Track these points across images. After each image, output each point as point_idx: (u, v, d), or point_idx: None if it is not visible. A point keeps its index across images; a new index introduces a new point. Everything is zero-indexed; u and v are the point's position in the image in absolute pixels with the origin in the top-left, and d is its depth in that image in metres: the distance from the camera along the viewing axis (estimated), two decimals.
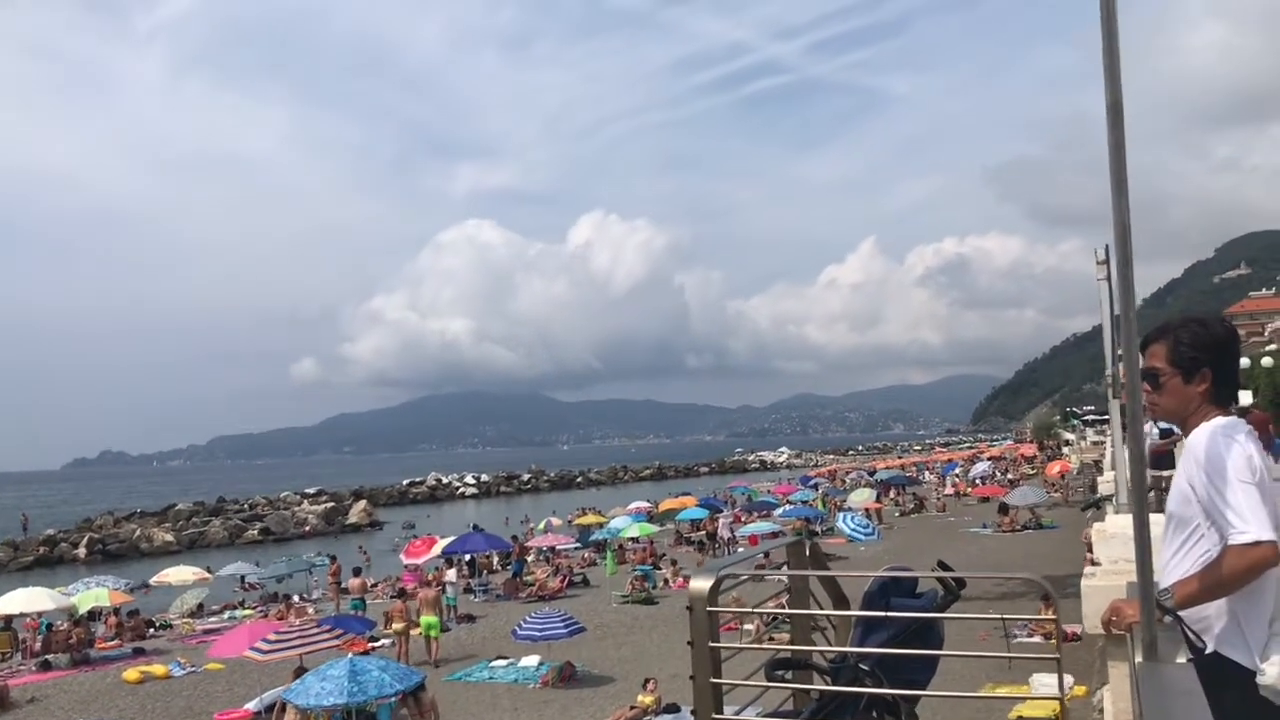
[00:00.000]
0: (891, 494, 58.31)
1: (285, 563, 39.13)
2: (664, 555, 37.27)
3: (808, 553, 6.20)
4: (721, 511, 50.61)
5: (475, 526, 48.49)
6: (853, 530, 37.14)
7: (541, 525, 50.85)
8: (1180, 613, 2.80)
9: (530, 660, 20.45)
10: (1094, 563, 6.75)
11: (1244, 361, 68.33)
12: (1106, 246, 8.79)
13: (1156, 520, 2.77)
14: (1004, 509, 40.44)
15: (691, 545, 41.46)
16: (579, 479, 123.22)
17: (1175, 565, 2.87)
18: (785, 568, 6.23)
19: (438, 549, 35.19)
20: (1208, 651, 2.78)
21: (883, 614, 4.46)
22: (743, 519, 47.12)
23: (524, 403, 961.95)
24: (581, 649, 21.47)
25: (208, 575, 36.32)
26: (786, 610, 5.54)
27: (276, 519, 73.36)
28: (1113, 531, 5.41)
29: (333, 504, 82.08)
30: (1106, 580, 4.14)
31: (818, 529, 41.33)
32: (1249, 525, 2.59)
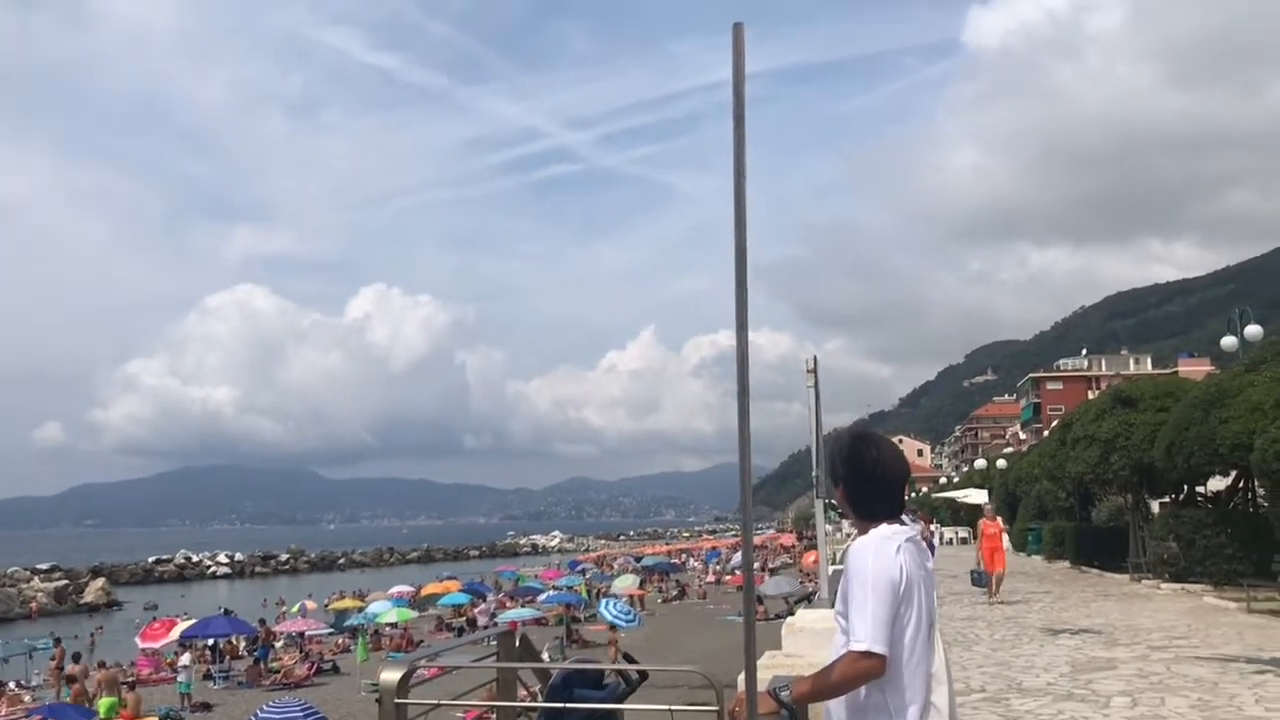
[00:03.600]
0: (655, 580, 59.04)
1: (2, 645, 35.96)
2: (421, 642, 36.36)
3: (517, 643, 6.34)
4: (485, 597, 49.99)
5: (226, 610, 46.06)
6: (614, 616, 37.24)
7: (295, 608, 48.82)
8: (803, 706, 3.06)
9: None
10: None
11: (980, 463, 73.21)
12: (815, 357, 9.44)
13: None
14: (758, 598, 41.60)
15: (451, 631, 40.64)
16: (341, 560, 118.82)
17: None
18: (495, 658, 6.34)
19: (176, 632, 33.18)
20: None
21: (563, 705, 4.64)
22: (507, 604, 46.62)
23: (289, 478, 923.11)
24: None
25: None
26: (483, 703, 5.64)
27: None
28: (800, 625, 5.80)
29: (66, 581, 75.98)
30: (771, 673, 4.42)
31: (580, 615, 41.37)
32: (864, 636, 2.81)
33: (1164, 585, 21.19)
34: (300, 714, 19.84)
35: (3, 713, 20.74)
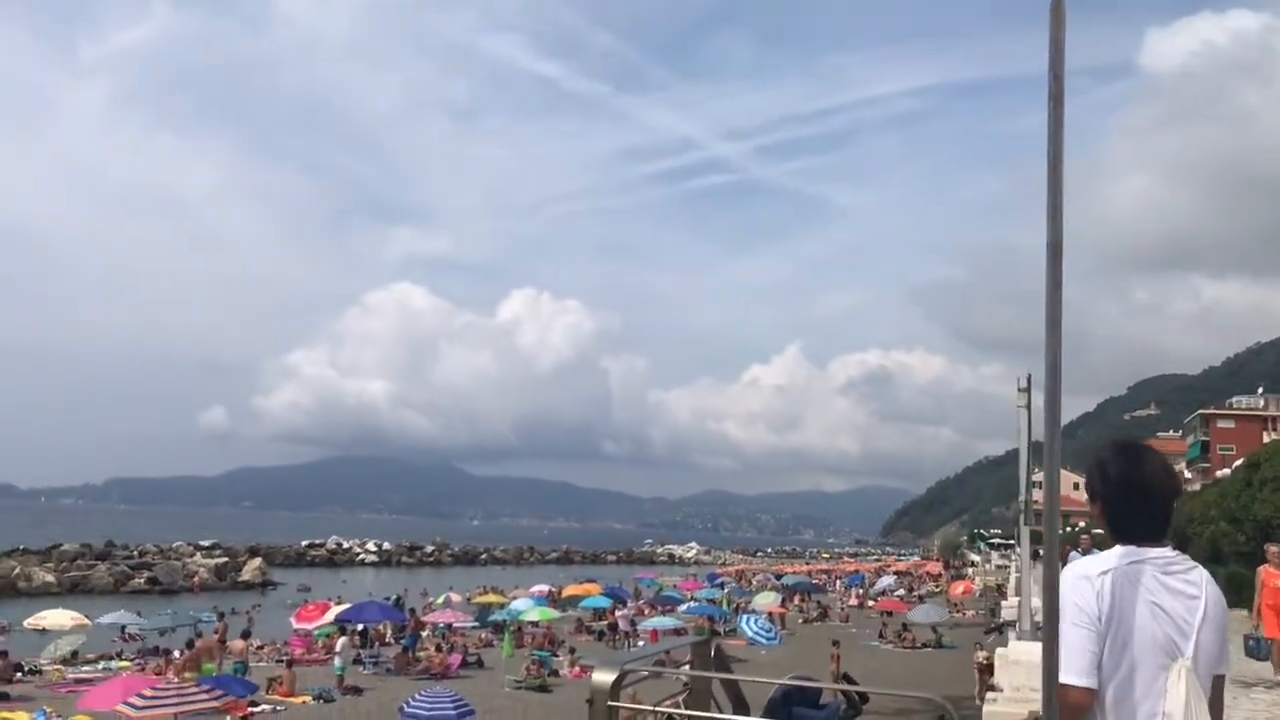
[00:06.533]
0: (796, 600, 58.26)
1: (170, 615, 37.69)
2: (563, 642, 36.62)
3: (712, 653, 6.13)
4: (625, 602, 50.13)
5: (398, 599, 47.69)
6: (755, 633, 36.87)
7: (440, 600, 49.82)
8: None
9: None
10: (992, 687, 6.74)
11: None
12: (1029, 375, 9.00)
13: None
14: (905, 625, 40.59)
15: (591, 634, 40.87)
16: (483, 555, 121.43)
17: None
18: (688, 667, 6.14)
19: (331, 615, 34.22)
20: None
21: None
22: (646, 612, 46.68)
23: (435, 473, 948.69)
24: None
25: (86, 621, 34.86)
26: (684, 711, 5.43)
27: (165, 569, 70.94)
28: (1015, 657, 5.44)
29: (226, 559, 79.65)
30: (1008, 707, 4.12)
31: (720, 628, 41.05)
32: (1065, 668, 2.58)
33: None
34: (451, 706, 20.11)
35: (175, 679, 21.64)
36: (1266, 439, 66.84)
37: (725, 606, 49.87)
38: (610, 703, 4.34)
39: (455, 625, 38.31)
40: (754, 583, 74.35)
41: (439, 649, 33.00)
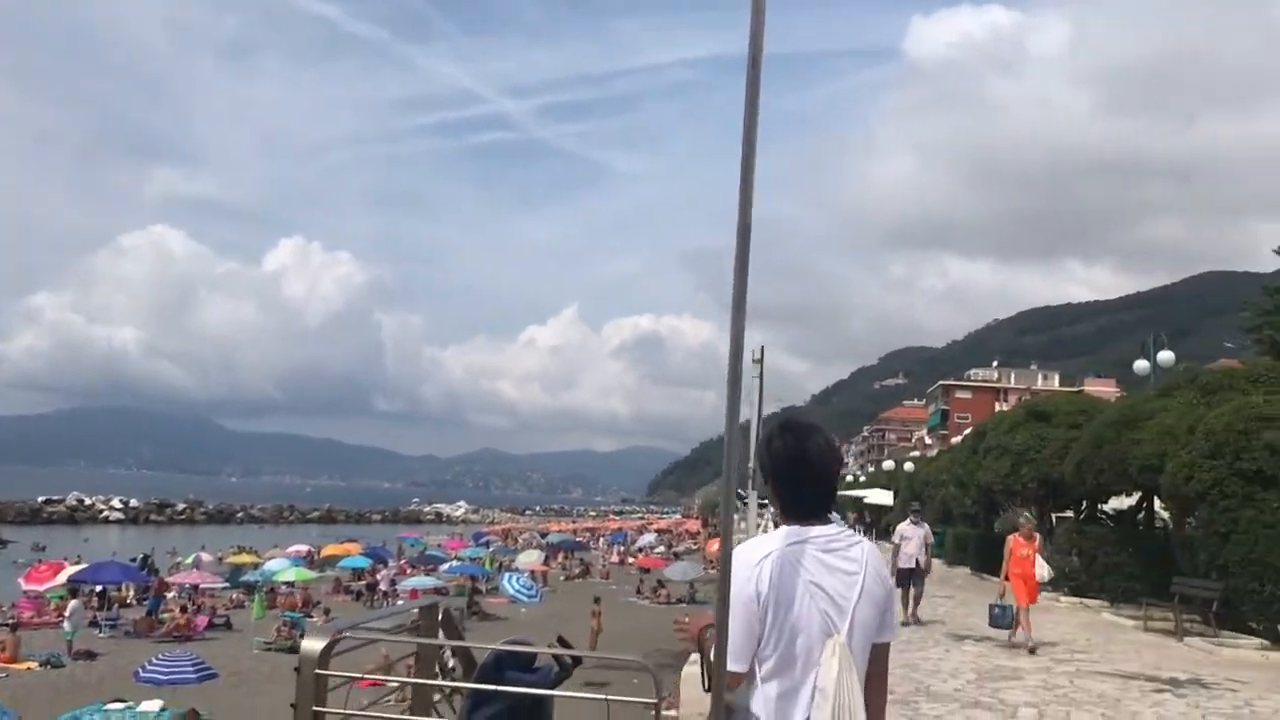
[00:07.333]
0: (560, 557, 58.92)
1: None
2: (318, 603, 35.76)
3: (440, 617, 6.09)
4: (387, 562, 49.45)
5: (145, 558, 45.36)
6: (516, 591, 37.04)
7: (189, 560, 47.73)
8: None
9: (151, 705, 18.82)
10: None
11: (888, 464, 74.25)
12: (762, 347, 9.36)
13: None
14: (660, 582, 41.78)
15: (350, 595, 40.09)
16: (240, 514, 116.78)
17: None
18: (417, 631, 6.08)
19: (64, 576, 32.16)
20: None
21: (494, 687, 4.44)
22: (408, 571, 46.16)
23: (191, 426, 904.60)
24: (212, 696, 20.07)
25: None
26: (402, 679, 5.39)
27: None
28: None
29: None
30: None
31: (482, 587, 41.09)
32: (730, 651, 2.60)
33: (1063, 598, 21.61)
34: (190, 668, 19.39)
35: None
36: (999, 409, 72.09)
37: (488, 565, 49.98)
38: (318, 671, 4.22)
39: (203, 586, 36.69)
40: (520, 541, 74.74)
41: (183, 610, 31.58)
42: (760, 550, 2.81)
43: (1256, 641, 15.12)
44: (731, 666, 2.62)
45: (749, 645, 2.72)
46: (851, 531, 3.02)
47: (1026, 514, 19.15)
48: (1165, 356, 28.53)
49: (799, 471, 2.95)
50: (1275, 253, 55.74)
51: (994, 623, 14.96)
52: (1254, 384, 19.28)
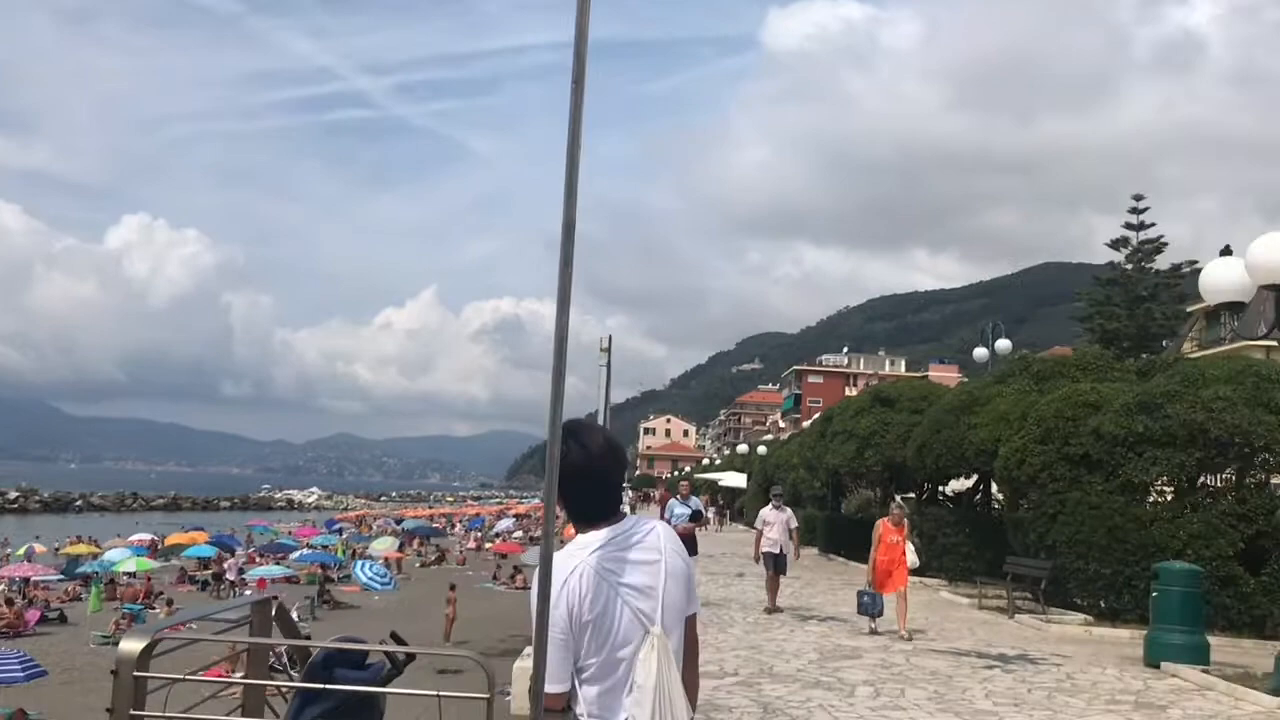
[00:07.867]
0: (415, 544, 58.18)
1: None
2: (160, 594, 34.47)
3: (274, 612, 5.94)
4: (234, 551, 48.00)
5: None
6: (369, 578, 36.46)
7: (21, 551, 45.41)
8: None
9: None
10: None
11: (742, 447, 75.49)
12: (610, 336, 9.40)
13: None
14: (516, 568, 41.67)
15: (195, 585, 38.78)
16: (79, 502, 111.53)
17: None
18: (249, 627, 5.92)
19: None
20: None
21: (321, 686, 4.36)
22: (256, 560, 44.91)
23: (26, 410, 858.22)
24: (42, 695, 19.19)
25: None
26: (228, 680, 5.26)
27: None
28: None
29: None
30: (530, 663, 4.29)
31: (334, 575, 40.26)
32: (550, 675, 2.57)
33: None
34: (18, 666, 18.53)
35: None
36: (849, 393, 74.27)
37: (341, 553, 48.99)
38: (137, 673, 4.05)
39: (35, 579, 34.99)
40: (374, 528, 73.55)
41: (10, 604, 30.03)
42: (565, 567, 2.75)
43: (1081, 617, 15.98)
44: (550, 688, 2.58)
45: (566, 665, 2.69)
46: (640, 517, 3.03)
47: (898, 500, 19.61)
48: (1003, 344, 29.82)
49: (587, 476, 2.88)
50: (1108, 245, 58.94)
51: (863, 610, 14.55)
52: (1084, 371, 20.36)
